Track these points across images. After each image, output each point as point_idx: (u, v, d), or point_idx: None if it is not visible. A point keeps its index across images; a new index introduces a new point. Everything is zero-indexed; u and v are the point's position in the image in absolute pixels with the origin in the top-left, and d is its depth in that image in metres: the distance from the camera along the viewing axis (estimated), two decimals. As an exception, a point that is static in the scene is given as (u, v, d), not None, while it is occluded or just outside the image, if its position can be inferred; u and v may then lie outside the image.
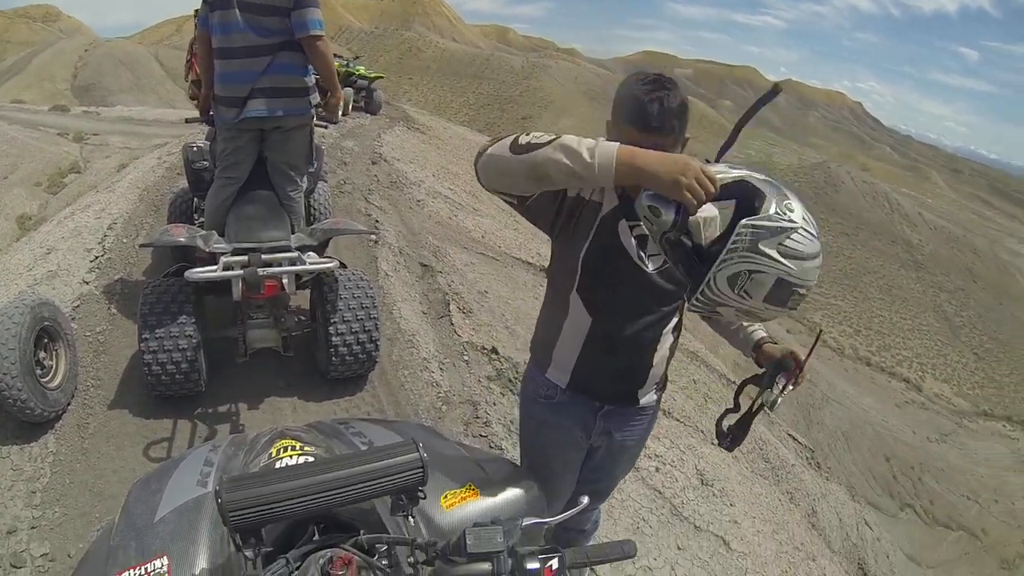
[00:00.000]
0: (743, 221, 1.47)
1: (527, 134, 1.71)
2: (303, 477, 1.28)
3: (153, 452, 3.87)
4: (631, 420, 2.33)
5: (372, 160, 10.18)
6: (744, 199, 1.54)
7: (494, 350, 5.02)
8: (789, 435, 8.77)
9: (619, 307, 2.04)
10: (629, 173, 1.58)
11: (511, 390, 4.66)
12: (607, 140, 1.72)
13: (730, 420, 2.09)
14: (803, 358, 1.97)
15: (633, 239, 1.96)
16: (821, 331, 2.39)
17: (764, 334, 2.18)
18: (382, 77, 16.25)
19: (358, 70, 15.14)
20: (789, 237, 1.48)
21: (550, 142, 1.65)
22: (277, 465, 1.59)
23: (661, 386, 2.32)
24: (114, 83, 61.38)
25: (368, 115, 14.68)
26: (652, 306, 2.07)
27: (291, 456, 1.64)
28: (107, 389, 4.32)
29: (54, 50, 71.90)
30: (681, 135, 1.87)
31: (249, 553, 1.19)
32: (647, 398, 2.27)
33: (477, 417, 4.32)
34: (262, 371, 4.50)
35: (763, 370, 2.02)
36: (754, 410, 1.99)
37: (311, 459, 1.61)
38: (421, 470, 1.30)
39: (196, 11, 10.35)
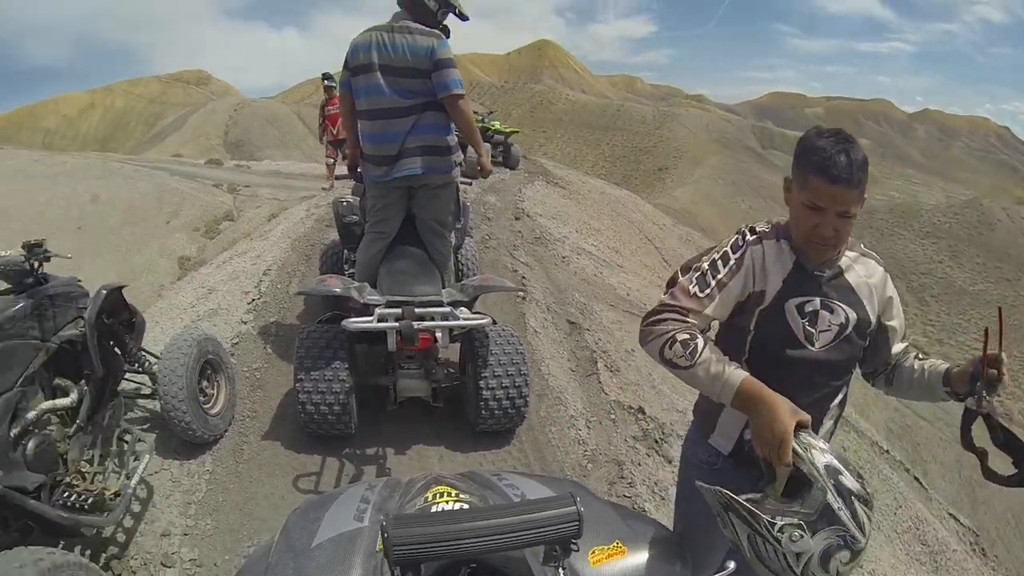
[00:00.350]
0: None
1: (671, 346, 1.84)
2: (466, 521, 1.33)
3: (301, 484, 4.08)
4: None
5: (515, 215, 10.35)
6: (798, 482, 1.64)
7: (641, 410, 4.95)
8: (950, 514, 8.17)
9: (786, 383, 1.93)
10: (745, 411, 1.79)
11: (656, 451, 4.58)
12: (788, 195, 1.96)
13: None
14: (994, 349, 1.87)
15: (801, 319, 1.96)
16: (1001, 309, 2.15)
17: (944, 365, 2.08)
18: (518, 131, 16.48)
19: (494, 125, 15.37)
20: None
21: (687, 370, 1.83)
22: (433, 509, 1.64)
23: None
24: (261, 139, 65.65)
25: (507, 170, 14.90)
26: (820, 383, 2.05)
27: (446, 502, 1.68)
28: (261, 421, 4.61)
29: (207, 110, 78.05)
30: (864, 189, 1.90)
31: None
32: None
33: (622, 477, 4.26)
34: (411, 419, 4.61)
35: (970, 396, 1.93)
36: (999, 427, 1.89)
37: (466, 506, 1.65)
38: (577, 523, 1.32)
39: (324, 75, 10.90)
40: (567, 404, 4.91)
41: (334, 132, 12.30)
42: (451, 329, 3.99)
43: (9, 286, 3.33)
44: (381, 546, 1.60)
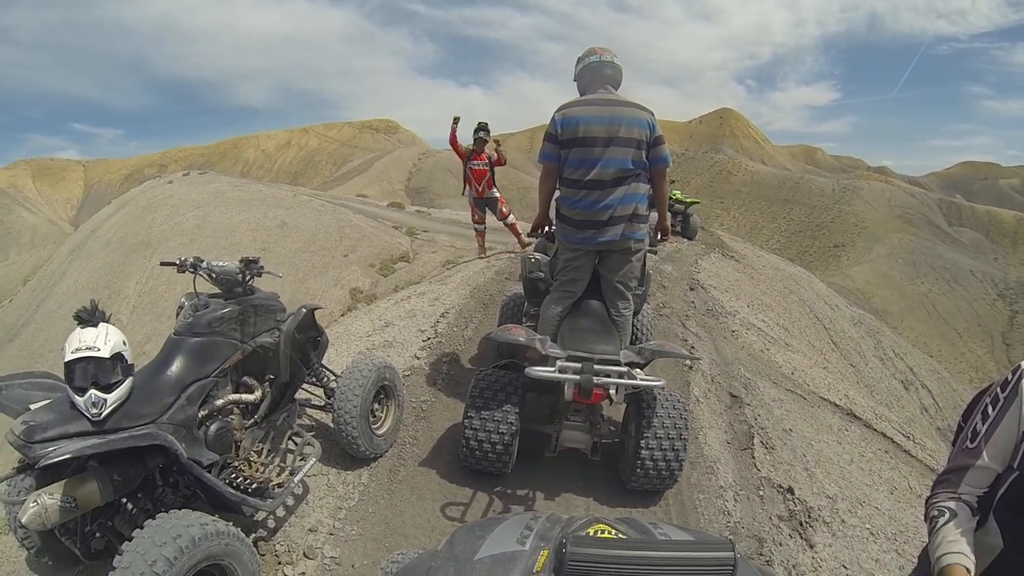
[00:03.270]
0: None
1: (927, 519, 1.92)
2: (636, 550, 1.50)
3: (449, 511, 4.42)
4: None
5: (690, 286, 10.48)
6: None
7: (790, 490, 4.95)
8: None
9: None
10: None
11: (800, 534, 4.55)
12: None
13: None
14: None
15: None
16: None
17: None
18: (698, 202, 16.47)
19: (675, 195, 15.40)
20: None
21: (929, 537, 1.88)
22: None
23: None
24: (441, 188, 68.48)
25: (685, 240, 14.99)
26: None
27: (607, 538, 1.84)
28: (421, 449, 5.05)
29: (393, 156, 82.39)
30: None
31: None
32: None
33: (761, 554, 4.31)
34: (565, 469, 4.87)
35: None
36: None
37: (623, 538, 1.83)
38: (732, 568, 1.46)
39: (480, 125, 10.71)
40: (718, 474, 5.03)
41: (479, 189, 11.41)
42: (625, 387, 4.18)
43: (220, 290, 3.96)
44: (539, 567, 1.87)
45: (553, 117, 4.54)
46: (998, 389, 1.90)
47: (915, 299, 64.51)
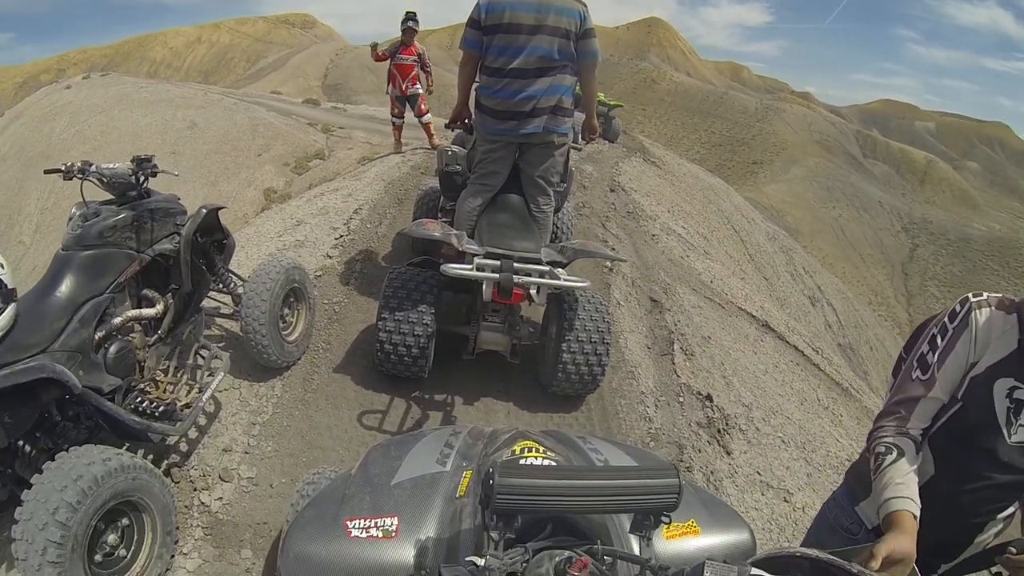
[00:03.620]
0: None
1: (873, 457, 1.90)
2: (573, 479, 1.36)
3: (367, 420, 4.23)
4: None
5: (610, 188, 10.40)
6: None
7: (709, 397, 4.99)
8: None
9: (969, 469, 1.89)
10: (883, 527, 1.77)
11: (718, 441, 4.61)
12: None
13: None
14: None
15: (1008, 404, 1.82)
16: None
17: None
18: (621, 106, 16.41)
19: (598, 97, 15.24)
20: None
21: (873, 478, 1.87)
22: (522, 463, 1.68)
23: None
24: (359, 85, 66.77)
25: (606, 142, 14.90)
26: (998, 482, 1.89)
27: (535, 457, 1.72)
28: (335, 354, 4.80)
29: (309, 52, 79.66)
30: None
31: (495, 535, 1.27)
32: (943, 567, 2.09)
33: (681, 460, 4.31)
34: (483, 372, 4.72)
35: None
36: None
37: (553, 463, 1.70)
38: (676, 496, 1.35)
39: (408, 15, 9.96)
40: (639, 380, 4.99)
41: (403, 87, 10.75)
42: (547, 288, 4.01)
43: (113, 196, 3.55)
44: (463, 491, 1.70)
45: (478, 2, 4.28)
46: (945, 319, 1.91)
47: (826, 222, 66.81)
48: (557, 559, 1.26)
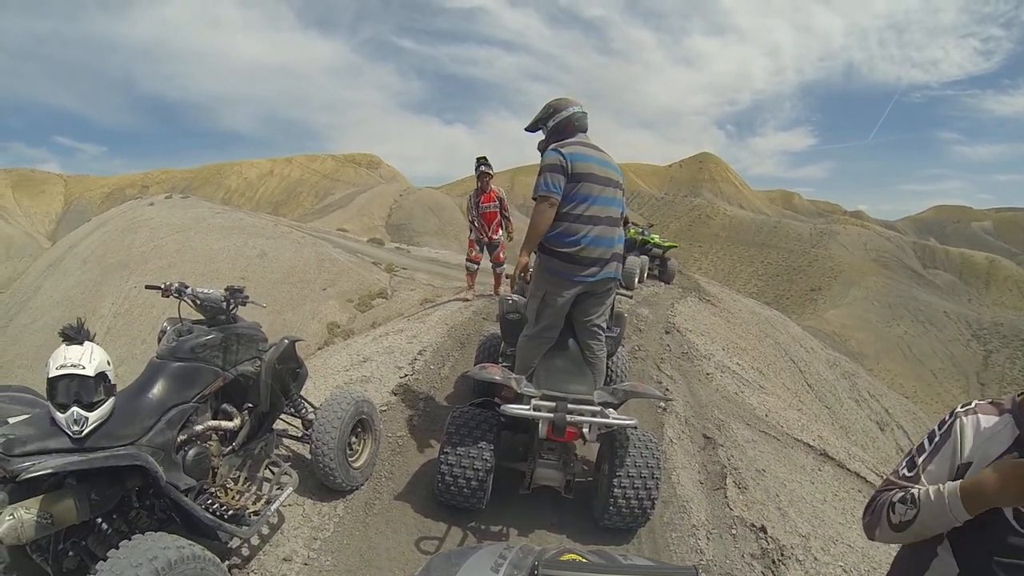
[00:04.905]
0: None
1: (893, 511, 1.94)
2: (606, 572, 1.60)
3: (423, 545, 4.45)
4: None
5: (666, 330, 10.58)
6: None
7: (763, 528, 5.01)
8: None
9: (990, 564, 1.85)
10: (980, 505, 1.78)
11: (772, 571, 4.60)
12: None
13: None
14: None
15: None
16: None
17: None
18: (676, 246, 16.66)
19: (653, 239, 15.62)
20: None
21: (915, 517, 1.88)
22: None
23: None
24: (422, 226, 68.48)
25: (662, 283, 15.17)
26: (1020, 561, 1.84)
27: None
28: (396, 483, 5.08)
29: (374, 192, 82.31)
30: None
31: None
32: None
33: None
34: (539, 507, 4.93)
35: None
36: None
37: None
38: None
39: (480, 160, 10.24)
40: (691, 513, 5.08)
41: (489, 235, 10.73)
42: (598, 426, 4.29)
43: (204, 317, 4.02)
44: None
45: (557, 152, 4.59)
46: (936, 427, 2.03)
47: (890, 341, 65.05)
48: None
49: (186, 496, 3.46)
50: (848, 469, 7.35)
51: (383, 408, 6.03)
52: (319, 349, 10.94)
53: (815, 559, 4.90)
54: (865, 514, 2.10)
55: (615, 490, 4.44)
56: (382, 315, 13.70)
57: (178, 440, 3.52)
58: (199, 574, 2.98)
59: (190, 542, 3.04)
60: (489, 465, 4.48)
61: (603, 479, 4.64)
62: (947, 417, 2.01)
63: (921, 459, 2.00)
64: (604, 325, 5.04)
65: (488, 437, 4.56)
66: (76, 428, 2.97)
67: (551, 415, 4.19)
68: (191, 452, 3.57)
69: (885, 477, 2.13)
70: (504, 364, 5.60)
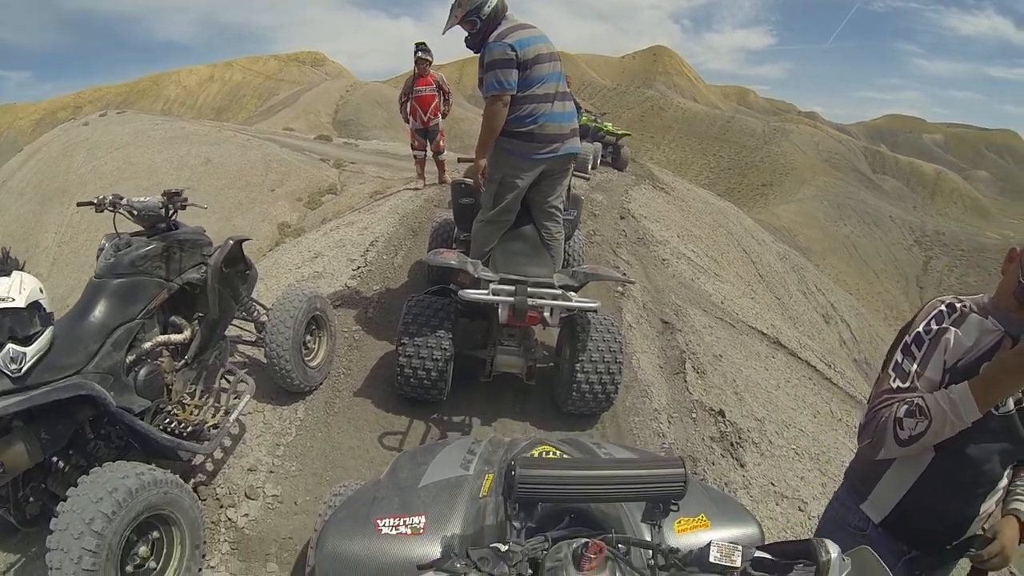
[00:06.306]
0: None
1: (901, 427, 1.92)
2: (587, 469, 1.50)
3: (387, 441, 4.38)
4: (932, 571, 2.22)
5: (620, 215, 10.54)
6: None
7: (721, 412, 5.08)
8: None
9: (967, 445, 1.95)
10: (992, 401, 1.82)
11: (731, 454, 4.69)
12: (1019, 276, 1.89)
13: None
14: (999, 547, 2.01)
15: None
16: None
17: (1019, 507, 2.08)
18: (629, 135, 16.53)
19: (606, 126, 15.52)
20: None
21: (928, 428, 1.86)
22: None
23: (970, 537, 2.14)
24: (370, 120, 66.83)
25: (615, 170, 15.05)
26: (1001, 448, 2.00)
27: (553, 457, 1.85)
28: (355, 379, 4.95)
29: (319, 89, 79.97)
30: None
31: (517, 524, 1.39)
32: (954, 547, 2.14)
33: (695, 473, 4.39)
34: (500, 394, 4.87)
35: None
36: None
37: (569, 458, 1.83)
38: (683, 484, 1.47)
39: (418, 46, 9.93)
40: (652, 398, 5.10)
41: (425, 119, 10.36)
42: (560, 310, 4.14)
43: (143, 228, 3.73)
44: (485, 492, 1.83)
45: (504, 45, 4.32)
46: (920, 331, 2.01)
47: (837, 239, 66.33)
48: (574, 546, 1.33)
49: (142, 418, 3.30)
50: (799, 358, 7.51)
51: (337, 303, 5.87)
52: (271, 250, 10.62)
53: (770, 442, 5.00)
54: (862, 436, 2.08)
55: (578, 375, 4.37)
56: (332, 211, 13.38)
57: (127, 361, 3.32)
58: (163, 498, 2.86)
59: (150, 467, 2.90)
60: (448, 354, 4.34)
61: (565, 364, 4.57)
62: (933, 324, 1.99)
63: (915, 367, 1.98)
64: (561, 207, 4.87)
65: (446, 325, 4.41)
66: (14, 367, 2.73)
67: (511, 299, 4.03)
68: (142, 372, 3.37)
69: (875, 394, 2.08)
70: (459, 250, 5.43)
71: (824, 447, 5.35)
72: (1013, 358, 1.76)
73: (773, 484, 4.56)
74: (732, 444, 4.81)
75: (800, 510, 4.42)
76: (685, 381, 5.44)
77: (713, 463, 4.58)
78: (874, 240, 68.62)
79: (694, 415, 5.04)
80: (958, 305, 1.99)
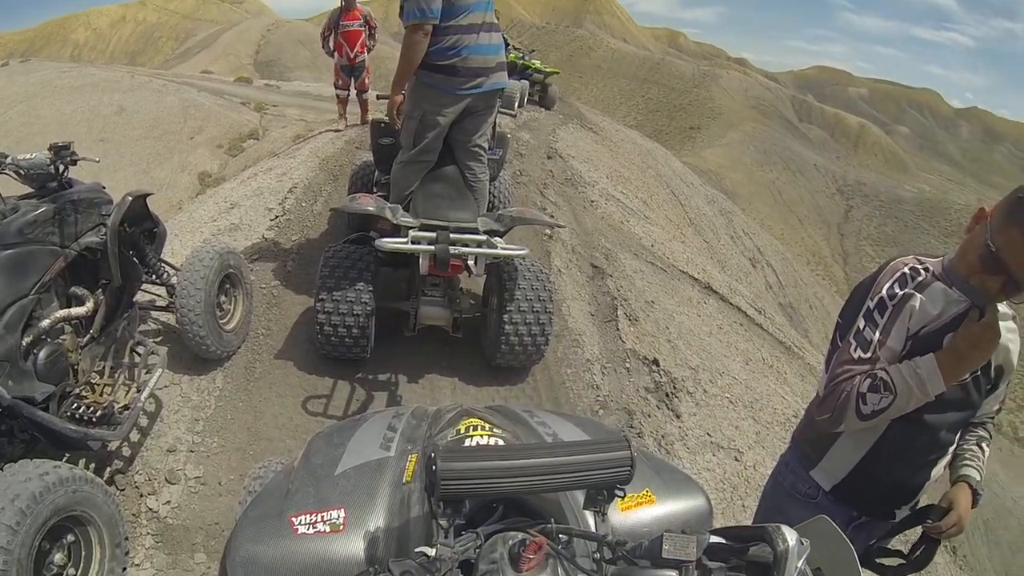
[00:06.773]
0: None
1: (864, 402, 1.88)
2: (519, 458, 1.27)
3: (312, 406, 4.09)
4: (877, 534, 2.24)
5: (548, 155, 10.28)
6: None
7: (655, 361, 4.94)
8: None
9: (924, 413, 1.94)
10: (959, 375, 1.85)
11: (667, 404, 4.59)
12: (986, 238, 1.78)
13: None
14: (955, 517, 2.01)
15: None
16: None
17: (969, 473, 2.08)
18: (557, 72, 16.34)
19: (534, 64, 15.25)
20: None
21: (892, 403, 1.85)
22: (467, 443, 1.60)
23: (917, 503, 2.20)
24: (292, 60, 64.93)
25: (543, 109, 14.83)
26: (956, 415, 2.02)
27: (481, 436, 1.63)
28: (275, 340, 4.61)
29: (239, 28, 77.28)
30: None
31: (444, 522, 1.19)
32: (901, 513, 2.18)
33: (631, 426, 4.27)
34: (426, 348, 4.61)
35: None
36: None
37: (501, 441, 1.61)
38: (629, 469, 1.27)
39: None
40: (584, 347, 4.93)
41: (351, 55, 9.91)
42: (485, 258, 3.89)
43: (32, 189, 3.28)
44: (409, 476, 1.59)
45: None
46: (884, 297, 1.94)
47: (763, 184, 68.23)
48: (511, 542, 1.18)
49: (48, 406, 2.93)
50: (730, 303, 7.48)
51: (254, 257, 5.48)
52: (191, 202, 10.07)
53: (704, 391, 4.95)
54: (822, 409, 2.02)
55: (506, 326, 4.13)
56: (253, 157, 12.84)
57: (23, 344, 2.88)
58: (72, 498, 2.51)
59: (56, 463, 2.55)
60: (369, 308, 4.04)
61: (492, 315, 4.34)
62: (897, 288, 1.93)
63: (876, 335, 1.93)
64: (486, 146, 4.59)
65: (365, 277, 4.09)
66: None
67: (432, 247, 3.73)
68: (42, 354, 2.94)
69: (835, 363, 2.02)
70: (380, 194, 5.09)
71: (757, 395, 5.35)
72: (982, 330, 1.78)
73: (709, 434, 4.48)
74: (667, 395, 4.69)
75: (736, 460, 4.37)
76: (617, 329, 5.27)
77: (649, 415, 4.44)
78: (798, 187, 70.95)
79: (628, 365, 4.89)
80: (921, 268, 1.94)
